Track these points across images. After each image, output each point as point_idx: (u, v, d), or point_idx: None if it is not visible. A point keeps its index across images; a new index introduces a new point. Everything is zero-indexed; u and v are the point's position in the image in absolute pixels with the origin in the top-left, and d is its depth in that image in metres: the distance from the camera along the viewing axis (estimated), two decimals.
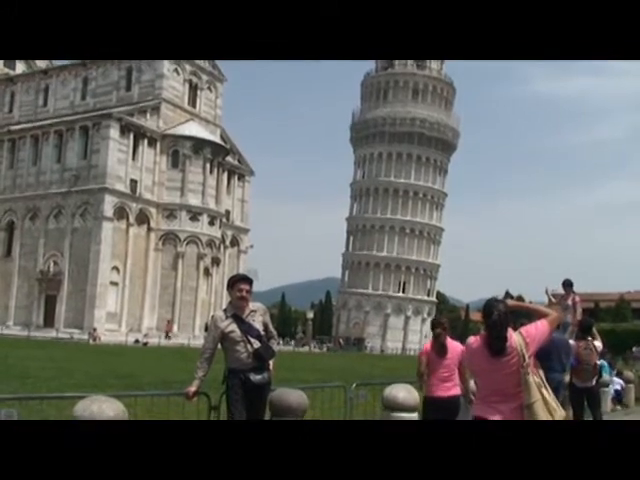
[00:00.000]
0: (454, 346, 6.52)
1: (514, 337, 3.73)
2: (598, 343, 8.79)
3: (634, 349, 45.15)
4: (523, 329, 3.82)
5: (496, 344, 3.69)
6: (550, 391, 3.83)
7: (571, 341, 8.84)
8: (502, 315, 3.72)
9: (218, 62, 61.89)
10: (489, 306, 3.79)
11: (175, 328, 53.23)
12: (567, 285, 10.81)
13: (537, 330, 3.82)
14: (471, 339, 3.95)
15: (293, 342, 67.53)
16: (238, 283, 5.39)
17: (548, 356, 7.07)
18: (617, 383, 14.42)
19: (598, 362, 8.99)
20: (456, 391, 6.50)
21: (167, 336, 48.82)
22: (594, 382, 8.62)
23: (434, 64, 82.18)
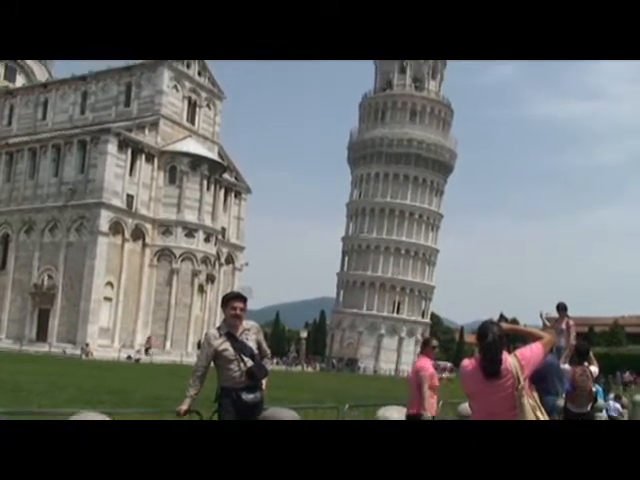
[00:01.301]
0: (414, 365, 6.61)
1: (509, 360, 3.72)
2: (594, 369, 8.75)
3: (619, 373, 44.94)
4: (518, 352, 3.82)
5: (490, 367, 3.68)
6: (545, 413, 3.82)
7: (567, 366, 8.80)
8: (497, 338, 3.71)
9: (217, 80, 62.23)
10: (484, 328, 3.79)
11: (168, 345, 52.98)
12: (561, 309, 10.79)
13: (532, 353, 3.82)
14: (465, 362, 3.94)
15: (286, 360, 67.24)
16: (232, 301, 5.37)
17: (542, 379, 7.05)
18: (614, 410, 14.19)
19: (593, 388, 8.94)
20: (413, 410, 6.50)
21: (147, 352, 47.86)
22: (589, 408, 8.57)
23: (432, 85, 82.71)
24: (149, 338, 51.44)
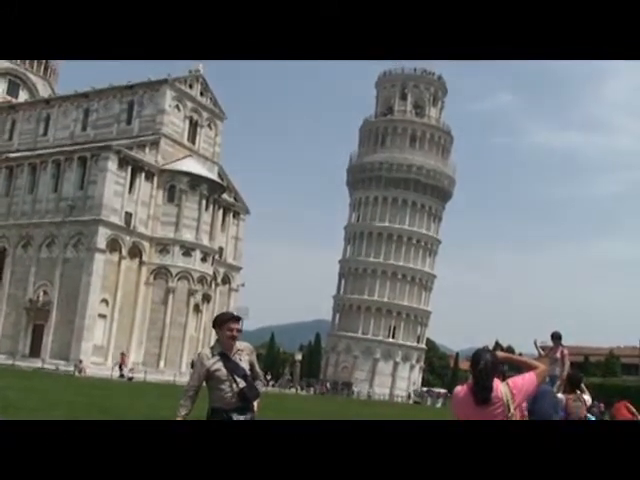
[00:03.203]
0: None
1: (500, 387, 3.74)
2: (587, 397, 8.74)
3: (596, 402, 44.54)
4: (510, 380, 3.85)
5: (481, 393, 3.71)
6: None
7: (560, 395, 8.78)
8: (489, 365, 3.74)
9: (219, 100, 62.58)
10: (477, 355, 3.82)
11: (161, 364, 52.73)
12: (555, 338, 10.80)
13: (524, 381, 3.85)
14: (458, 388, 3.99)
15: (281, 382, 66.93)
16: (229, 322, 5.34)
17: (535, 406, 7.02)
18: None
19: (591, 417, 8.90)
20: None
21: (120, 369, 46.50)
22: None
23: (433, 112, 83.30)
24: (122, 355, 50.18)
